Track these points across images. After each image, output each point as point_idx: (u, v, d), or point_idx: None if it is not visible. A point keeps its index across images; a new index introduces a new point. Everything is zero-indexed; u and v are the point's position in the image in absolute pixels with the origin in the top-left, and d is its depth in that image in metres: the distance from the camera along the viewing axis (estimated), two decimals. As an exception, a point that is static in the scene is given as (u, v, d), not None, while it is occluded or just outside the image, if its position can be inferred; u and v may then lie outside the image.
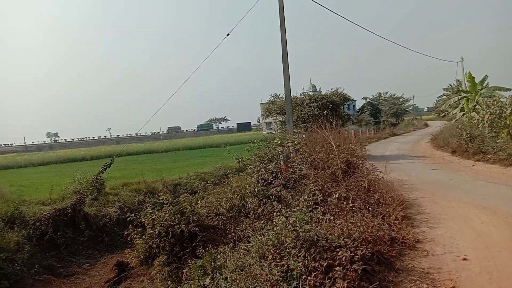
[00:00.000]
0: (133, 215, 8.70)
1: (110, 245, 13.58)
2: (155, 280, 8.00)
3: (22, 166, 37.84)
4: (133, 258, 8.32)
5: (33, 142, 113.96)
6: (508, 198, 8.17)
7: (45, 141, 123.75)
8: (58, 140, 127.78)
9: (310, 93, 27.38)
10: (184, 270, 6.63)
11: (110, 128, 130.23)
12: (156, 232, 7.49)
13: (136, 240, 8.22)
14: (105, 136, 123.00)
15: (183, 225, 7.36)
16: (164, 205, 8.06)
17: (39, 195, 16.12)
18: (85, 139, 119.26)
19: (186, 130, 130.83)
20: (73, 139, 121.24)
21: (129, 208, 14.90)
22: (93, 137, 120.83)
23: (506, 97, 16.97)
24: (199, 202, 8.83)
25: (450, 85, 33.66)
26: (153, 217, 7.83)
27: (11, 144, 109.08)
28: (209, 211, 8.77)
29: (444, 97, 39.03)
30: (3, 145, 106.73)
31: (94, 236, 13.54)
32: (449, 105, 29.24)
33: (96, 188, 15.56)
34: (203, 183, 12.86)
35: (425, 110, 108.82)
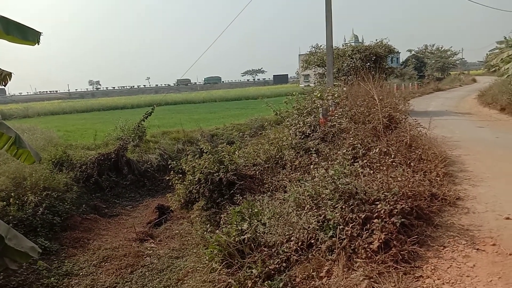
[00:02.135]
0: (173, 162, 9.03)
1: (151, 189, 14.29)
2: (194, 223, 8.43)
3: (67, 113, 39.47)
4: (173, 201, 8.76)
5: (76, 89, 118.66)
6: (560, 159, 7.73)
7: (87, 88, 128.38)
8: (99, 88, 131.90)
9: (352, 44, 26.17)
10: (222, 215, 6.92)
11: (149, 78, 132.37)
12: (196, 179, 7.79)
13: (177, 185, 8.60)
14: (144, 86, 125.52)
15: (221, 173, 7.59)
16: (204, 153, 8.29)
17: (84, 140, 16.92)
18: (125, 87, 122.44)
19: (195, 83, 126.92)
20: (114, 87, 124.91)
21: (168, 155, 15.47)
22: (133, 86, 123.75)
23: None
24: (236, 152, 9.00)
25: (505, 38, 31.09)
26: (193, 165, 8.11)
27: (56, 91, 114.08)
28: (246, 161, 8.95)
29: (497, 51, 36.20)
30: (48, 92, 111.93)
31: (136, 180, 14.26)
32: (501, 59, 27.15)
33: (138, 135, 16.13)
34: (240, 134, 12.97)
35: (476, 63, 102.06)
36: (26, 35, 3.73)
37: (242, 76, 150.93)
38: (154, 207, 12.11)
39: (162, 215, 11.54)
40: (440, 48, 59.85)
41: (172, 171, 8.71)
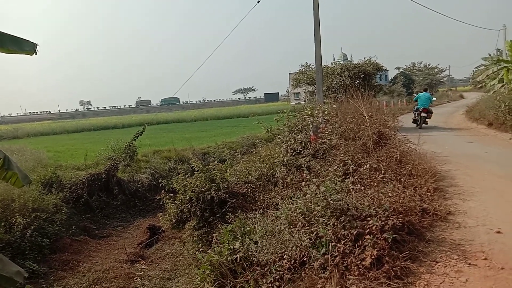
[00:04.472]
0: (164, 181, 8.97)
1: (142, 209, 14.15)
2: (186, 243, 8.33)
3: (57, 133, 39.36)
4: (165, 221, 8.66)
5: (67, 109, 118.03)
6: (547, 173, 7.84)
7: (78, 109, 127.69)
8: (90, 108, 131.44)
9: (341, 62, 26.63)
10: (214, 234, 6.85)
11: (140, 98, 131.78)
12: (188, 198, 7.74)
13: (168, 205, 8.52)
14: (154, 104, 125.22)
15: (213, 192, 7.56)
16: (195, 172, 8.26)
17: (74, 161, 16.80)
18: (116, 107, 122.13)
19: (156, 104, 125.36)
20: (105, 107, 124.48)
21: (160, 174, 15.38)
22: (124, 106, 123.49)
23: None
24: (228, 170, 8.99)
25: (490, 55, 31.89)
26: (184, 183, 8.07)
27: (47, 111, 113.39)
28: (238, 179, 8.94)
29: (482, 67, 37.04)
30: (39, 112, 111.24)
31: (127, 201, 14.12)
32: (487, 75, 27.76)
33: (129, 154, 16.06)
34: (231, 152, 13.00)
35: (463, 80, 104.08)
36: (22, 46, 3.71)
37: (234, 94, 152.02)
38: (145, 228, 11.97)
39: (154, 235, 11.40)
40: (427, 65, 61.21)
41: (163, 190, 8.64)
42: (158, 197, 9.07)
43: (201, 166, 8.17)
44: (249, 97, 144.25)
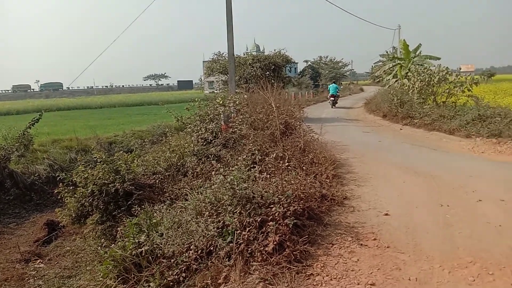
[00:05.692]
0: (64, 173, 8.30)
1: (39, 204, 12.92)
2: (88, 238, 7.84)
3: None
4: (64, 217, 8.05)
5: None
6: (428, 159, 8.95)
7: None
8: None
9: (253, 53, 27.06)
10: (118, 228, 6.55)
11: (38, 81, 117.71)
12: (89, 191, 7.27)
13: (67, 199, 7.92)
14: (33, 89, 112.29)
15: (118, 184, 7.21)
16: (98, 163, 7.78)
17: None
18: (8, 91, 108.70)
19: (33, 90, 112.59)
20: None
21: (60, 165, 14.19)
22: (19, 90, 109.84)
23: (435, 66, 18.08)
24: (135, 160, 8.62)
25: (387, 52, 35.14)
26: (85, 176, 7.55)
27: None
28: (146, 170, 8.64)
29: (380, 63, 40.73)
30: None
31: (21, 195, 12.77)
32: (384, 71, 30.60)
33: (23, 144, 14.45)
34: (140, 141, 12.46)
35: (363, 74, 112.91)
36: None
37: (145, 80, 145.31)
38: (42, 223, 10.96)
39: (53, 231, 10.51)
40: (333, 60, 65.12)
41: (60, 183, 7.99)
42: (56, 191, 8.38)
43: (104, 157, 7.70)
44: (161, 84, 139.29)
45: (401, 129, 14.68)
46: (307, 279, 3.80)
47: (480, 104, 13.24)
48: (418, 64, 23.89)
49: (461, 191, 6.27)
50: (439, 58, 25.48)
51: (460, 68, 66.86)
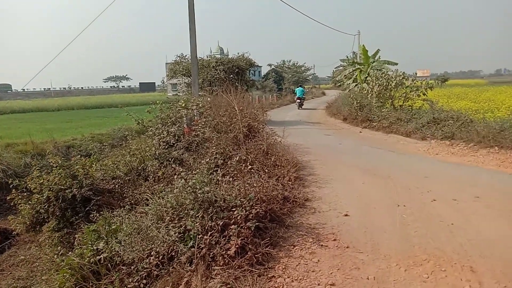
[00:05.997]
0: (17, 179, 7.89)
1: (-10, 212, 12.20)
2: (44, 246, 7.49)
3: None
4: (18, 224, 7.64)
5: None
6: (386, 161, 9.27)
7: None
8: None
9: (217, 56, 26.99)
10: (76, 235, 6.30)
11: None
12: (45, 197, 6.95)
13: (21, 206, 7.54)
14: None
15: (75, 189, 6.94)
16: (54, 168, 7.46)
17: None
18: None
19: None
20: None
21: (13, 171, 13.49)
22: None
23: (393, 71, 18.82)
24: (94, 165, 8.34)
25: (347, 57, 36.16)
26: (41, 181, 7.22)
27: None
28: (105, 175, 8.35)
29: (341, 68, 41.86)
30: None
31: (-31, 203, 12.02)
32: (345, 75, 31.47)
33: (-29, 149, 13.65)
34: (99, 145, 12.06)
35: (325, 78, 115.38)
36: None
37: (105, 82, 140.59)
38: (-6, 232, 10.38)
39: (5, 240, 10.02)
40: (295, 64, 66.09)
41: (13, 190, 7.59)
42: (9, 198, 7.94)
43: (60, 162, 7.39)
44: (122, 86, 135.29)
45: (360, 132, 15.12)
46: (268, 282, 3.83)
47: (435, 108, 13.93)
48: (377, 69, 24.77)
49: (417, 191, 6.53)
50: (396, 64, 26.53)
51: (416, 73, 70.01)
